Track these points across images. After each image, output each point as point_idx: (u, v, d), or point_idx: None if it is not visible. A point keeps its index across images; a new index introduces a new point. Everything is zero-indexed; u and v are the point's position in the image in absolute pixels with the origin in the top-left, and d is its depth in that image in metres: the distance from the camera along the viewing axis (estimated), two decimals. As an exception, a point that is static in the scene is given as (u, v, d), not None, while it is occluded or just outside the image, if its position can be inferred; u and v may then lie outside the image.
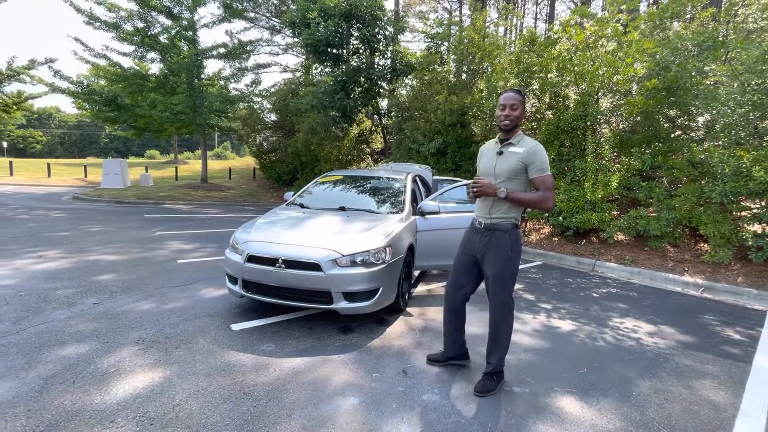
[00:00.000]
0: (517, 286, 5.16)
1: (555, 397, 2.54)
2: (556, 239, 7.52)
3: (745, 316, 4.43)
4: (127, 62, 22.55)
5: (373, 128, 15.28)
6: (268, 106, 18.36)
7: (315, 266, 3.21)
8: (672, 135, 6.88)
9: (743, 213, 5.61)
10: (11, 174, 20.05)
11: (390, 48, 12.37)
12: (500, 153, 2.44)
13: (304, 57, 20.21)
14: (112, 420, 2.06)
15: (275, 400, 2.33)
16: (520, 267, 6.30)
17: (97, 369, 2.56)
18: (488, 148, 2.57)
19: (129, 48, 14.76)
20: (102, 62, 15.20)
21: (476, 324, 3.66)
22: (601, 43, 7.04)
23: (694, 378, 2.89)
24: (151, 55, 15.03)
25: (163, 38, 14.60)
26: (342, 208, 4.35)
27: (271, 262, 3.30)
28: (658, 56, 6.34)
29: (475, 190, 2.39)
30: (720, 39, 5.12)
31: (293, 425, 2.11)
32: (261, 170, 18.31)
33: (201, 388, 2.40)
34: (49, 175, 20.28)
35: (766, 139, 5.44)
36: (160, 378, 2.49)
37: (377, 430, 2.11)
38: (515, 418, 2.29)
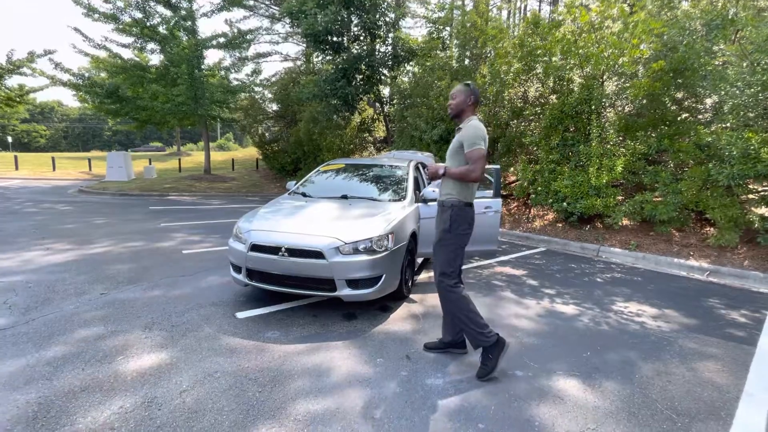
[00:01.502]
0: (520, 272, 5.16)
1: (557, 380, 2.56)
2: (560, 225, 7.48)
3: (750, 300, 4.41)
4: (127, 54, 22.47)
5: (375, 116, 15.16)
6: (270, 95, 18.25)
7: (318, 254, 3.22)
8: (679, 118, 6.75)
9: (750, 196, 5.54)
10: (16, 168, 20.21)
11: (391, 34, 12.17)
12: (454, 136, 2.73)
13: (304, 45, 19.97)
14: (121, 405, 2.11)
15: (280, 386, 2.36)
16: (524, 253, 6.31)
17: (106, 357, 2.60)
18: None
19: (128, 39, 14.67)
20: (102, 54, 15.14)
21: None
22: (606, 24, 6.88)
23: (697, 360, 2.89)
24: (150, 45, 14.93)
25: (162, 29, 14.47)
26: (344, 197, 4.35)
27: (274, 250, 3.31)
28: (665, 37, 6.18)
29: (428, 174, 2.76)
30: (729, 17, 4.96)
31: (298, 409, 2.14)
32: (264, 161, 18.30)
33: (207, 375, 2.44)
34: (54, 169, 20.41)
35: (774, 120, 5.34)
36: (167, 365, 2.53)
37: (381, 414, 2.14)
38: (518, 401, 2.31)
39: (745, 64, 5.19)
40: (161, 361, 2.58)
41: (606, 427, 2.10)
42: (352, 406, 2.20)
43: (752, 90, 5.06)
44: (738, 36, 5.69)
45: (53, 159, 21.64)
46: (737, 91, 5.27)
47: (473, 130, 2.55)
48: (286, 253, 3.27)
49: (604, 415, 2.21)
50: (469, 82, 2.75)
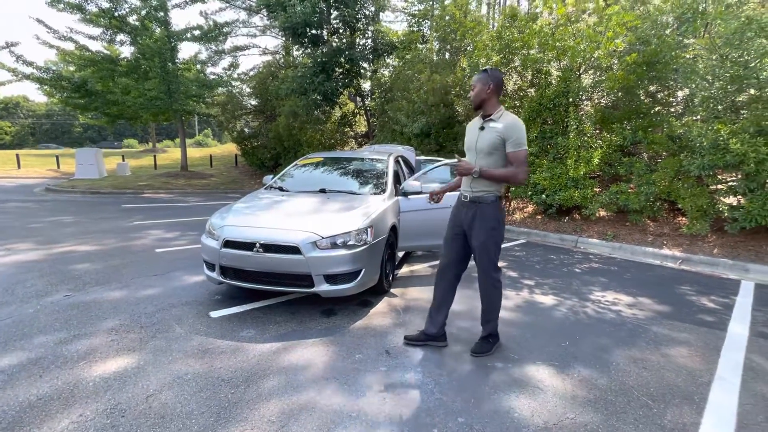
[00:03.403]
0: (500, 263, 5.17)
1: (537, 370, 2.55)
2: (540, 217, 7.57)
3: (720, 286, 4.55)
4: (95, 45, 21.49)
5: (356, 111, 15.00)
6: (248, 90, 17.80)
7: (294, 249, 3.13)
8: (652, 110, 6.90)
9: (719, 186, 5.71)
10: (-22, 167, 19.12)
11: (371, 27, 12.02)
12: (482, 128, 2.54)
13: (283, 38, 19.54)
14: (80, 413, 1.98)
15: (254, 386, 2.27)
16: (504, 245, 6.34)
17: (66, 362, 2.45)
18: (472, 125, 2.66)
19: (96, 30, 14.01)
20: (68, 46, 14.44)
21: (457, 301, 3.67)
22: (583, 17, 6.95)
23: (671, 346, 2.95)
24: (120, 37, 14.30)
25: (132, 19, 13.88)
26: (322, 191, 4.25)
27: (249, 246, 3.20)
28: (639, 30, 6.29)
29: (456, 171, 2.60)
30: (700, 11, 5.09)
31: (272, 410, 2.06)
32: (243, 157, 17.87)
33: (176, 377, 2.32)
34: (18, 167, 19.42)
35: (743, 112, 5.50)
36: (134, 368, 2.40)
37: (358, 411, 2.08)
38: (497, 392, 2.29)
39: (714, 57, 5.32)
40: (127, 364, 2.45)
41: (584, 416, 2.10)
42: (329, 404, 2.13)
43: (721, 83, 5.19)
44: (708, 29, 5.83)
45: (18, 156, 20.57)
46: (707, 84, 5.40)
47: (519, 128, 2.41)
48: (260, 249, 3.16)
49: (582, 404, 2.21)
50: (487, 67, 2.60)
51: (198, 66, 16.01)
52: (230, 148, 25.40)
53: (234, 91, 17.20)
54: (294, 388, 2.26)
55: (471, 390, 2.31)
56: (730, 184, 5.64)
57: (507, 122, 2.43)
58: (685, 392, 2.35)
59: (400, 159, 5.35)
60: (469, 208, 2.62)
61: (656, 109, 6.94)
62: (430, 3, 11.96)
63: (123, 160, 19.35)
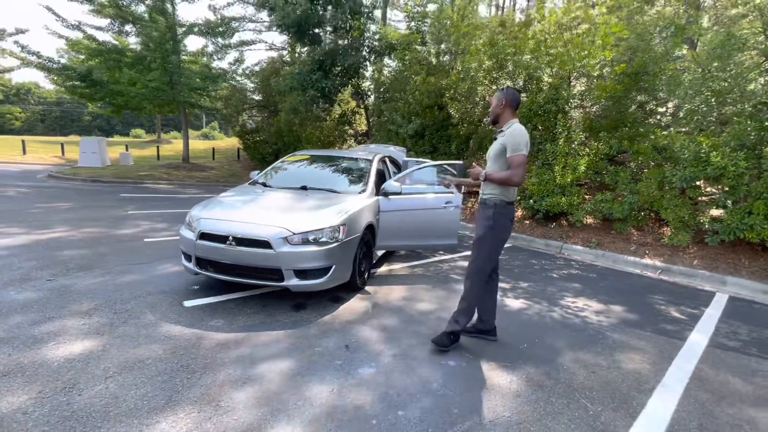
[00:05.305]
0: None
1: (488, 370, 2.64)
2: (528, 222, 7.62)
3: (693, 297, 4.59)
4: (103, 36, 21.69)
5: (356, 109, 15.09)
6: (251, 85, 17.95)
7: (265, 243, 3.23)
8: (645, 120, 6.91)
9: (702, 198, 5.74)
10: (-15, 151, 19.43)
11: (373, 26, 12.08)
12: (495, 139, 2.90)
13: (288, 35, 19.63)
14: (40, 390, 2.09)
15: (210, 373, 2.37)
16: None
17: (36, 343, 2.57)
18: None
19: (104, 21, 14.20)
20: (77, 35, 14.63)
21: (428, 300, 3.76)
22: (574, 25, 6.98)
23: (625, 353, 3.02)
24: (127, 28, 14.49)
25: (140, 10, 14.06)
26: (304, 188, 4.35)
27: (222, 239, 3.31)
28: (627, 41, 6.32)
29: (470, 177, 2.95)
30: (682, 24, 5.12)
31: (222, 395, 2.17)
32: (245, 151, 18.04)
33: (138, 362, 2.44)
34: (24, 153, 19.71)
35: (727, 126, 5.52)
36: (99, 351, 2.52)
37: (304, 400, 2.18)
38: (443, 389, 2.38)
39: (700, 71, 5.35)
40: (93, 347, 2.56)
41: (521, 415, 2.18)
42: (278, 392, 2.23)
43: (704, 96, 5.21)
44: (695, 43, 5.85)
45: (23, 142, 20.87)
46: (692, 94, 5.42)
47: (517, 135, 2.65)
48: (233, 242, 3.27)
49: (523, 403, 2.29)
50: (503, 86, 2.88)
51: (204, 59, 16.17)
52: (234, 141, 25.55)
53: (237, 86, 17.36)
54: (248, 377, 2.36)
55: (418, 386, 2.40)
56: (712, 196, 5.67)
57: (509, 131, 2.70)
58: (626, 397, 2.43)
59: (387, 159, 5.44)
60: (478, 209, 2.95)
61: (646, 119, 6.96)
62: (439, 6, 11.98)
63: (126, 150, 19.58)
